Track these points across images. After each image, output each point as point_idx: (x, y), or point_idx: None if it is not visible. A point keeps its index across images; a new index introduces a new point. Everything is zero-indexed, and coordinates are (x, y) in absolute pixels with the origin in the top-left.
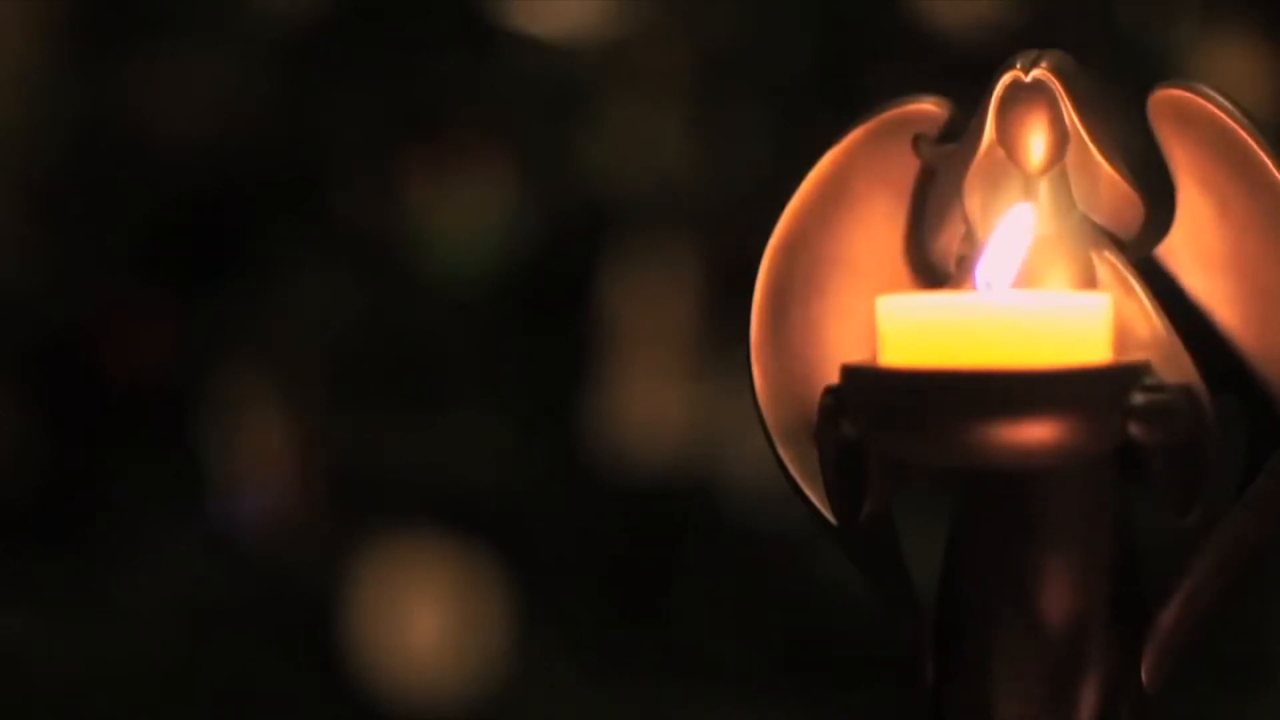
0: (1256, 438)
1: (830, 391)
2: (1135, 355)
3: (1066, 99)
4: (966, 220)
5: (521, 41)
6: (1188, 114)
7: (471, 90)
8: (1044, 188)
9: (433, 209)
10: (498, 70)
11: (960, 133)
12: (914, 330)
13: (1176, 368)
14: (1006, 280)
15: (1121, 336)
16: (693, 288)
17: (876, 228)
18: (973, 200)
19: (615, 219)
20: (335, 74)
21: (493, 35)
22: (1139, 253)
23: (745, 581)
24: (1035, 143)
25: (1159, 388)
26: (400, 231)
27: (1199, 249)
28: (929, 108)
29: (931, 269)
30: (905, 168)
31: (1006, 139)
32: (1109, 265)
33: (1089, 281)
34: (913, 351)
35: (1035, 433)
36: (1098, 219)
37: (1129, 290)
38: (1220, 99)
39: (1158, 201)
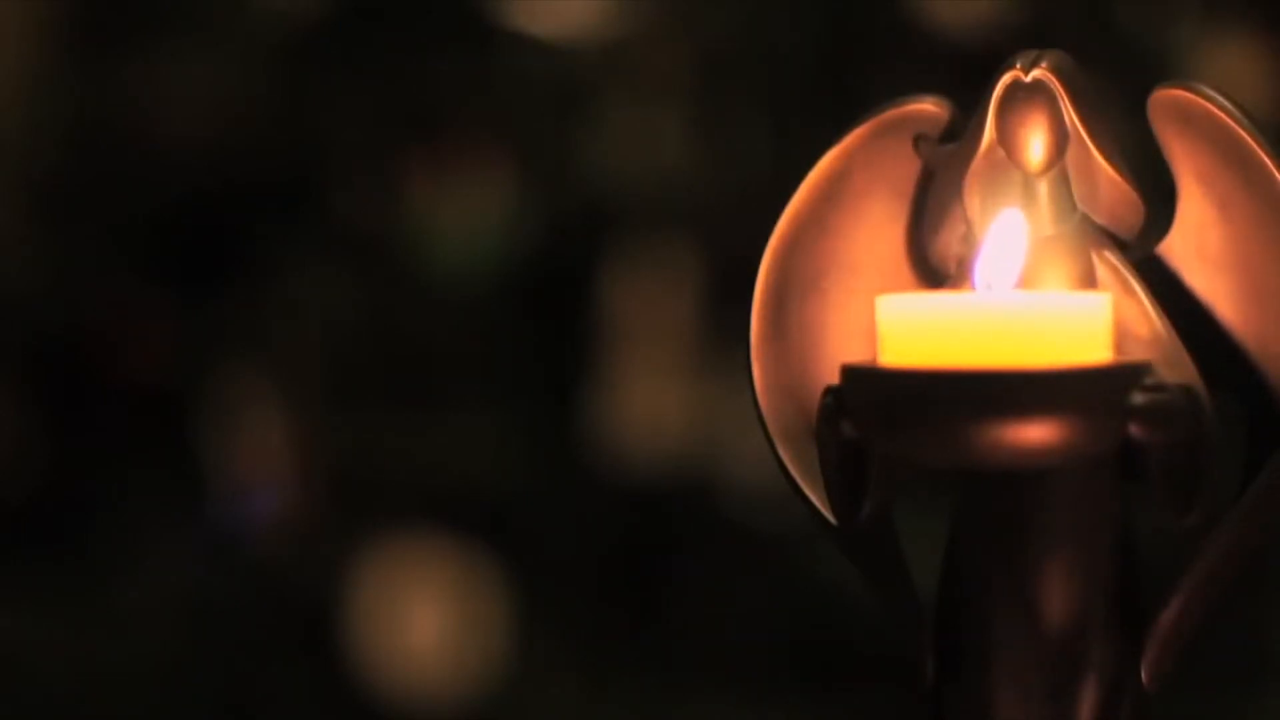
0: (1256, 438)
1: (830, 391)
2: (1135, 355)
3: (1066, 99)
4: (966, 220)
5: (521, 41)
6: (1188, 114)
7: (471, 90)
8: (1044, 188)
9: (433, 209)
10: (498, 70)
11: (960, 133)
12: (914, 330)
13: (1176, 368)
14: (1006, 283)
15: (1121, 336)
16: (693, 288)
17: (876, 228)
18: (973, 200)
19: (615, 219)
20: (335, 74)
21: (493, 35)
22: (1139, 253)
23: (745, 581)
24: (1035, 143)
25: (1159, 388)
26: (400, 231)
27: (1199, 249)
28: (929, 108)
29: (931, 269)
30: (905, 168)
31: (1006, 139)
32: (1109, 265)
33: (1089, 281)
34: (913, 351)
35: (1035, 433)
36: (1098, 219)
37: (1129, 290)
38: (1220, 99)
39: (1158, 201)
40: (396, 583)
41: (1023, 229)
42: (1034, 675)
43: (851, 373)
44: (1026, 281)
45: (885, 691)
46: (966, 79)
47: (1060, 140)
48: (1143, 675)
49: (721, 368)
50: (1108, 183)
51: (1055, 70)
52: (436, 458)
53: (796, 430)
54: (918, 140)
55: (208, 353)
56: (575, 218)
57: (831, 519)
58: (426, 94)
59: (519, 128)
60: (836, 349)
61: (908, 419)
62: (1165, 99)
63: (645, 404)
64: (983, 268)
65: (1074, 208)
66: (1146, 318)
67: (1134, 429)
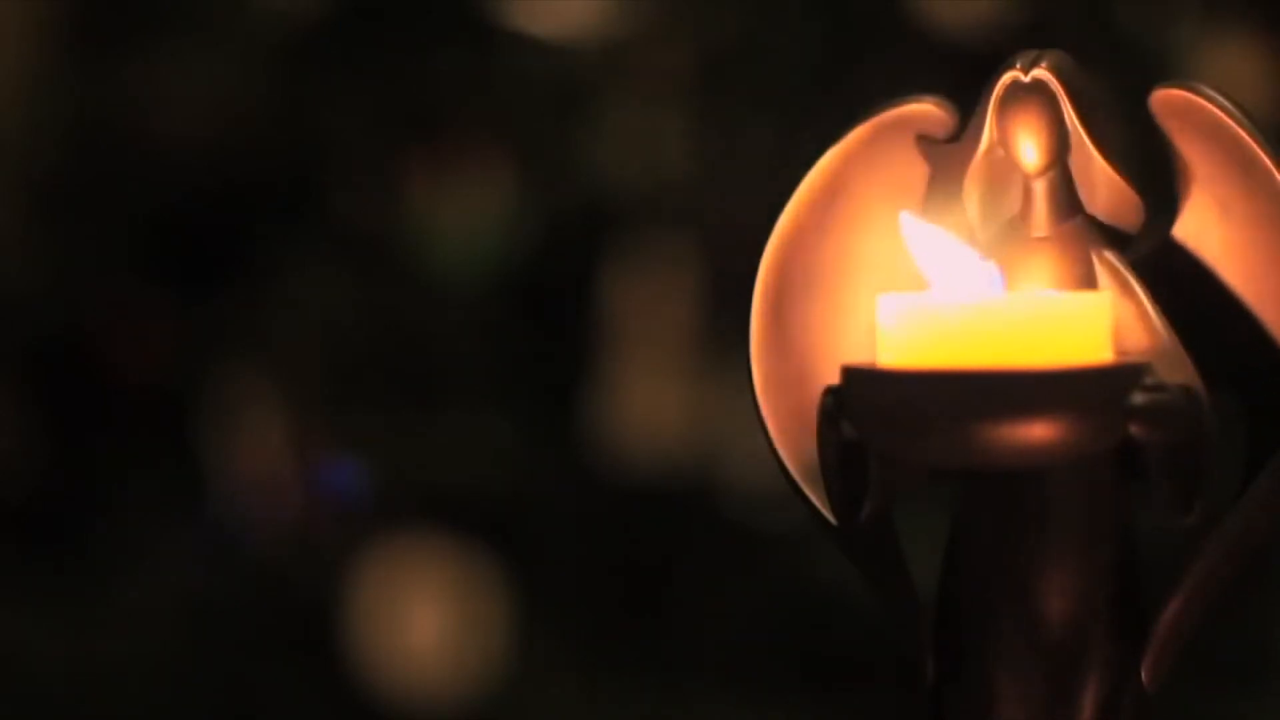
0: (1256, 438)
1: (830, 392)
2: (1135, 355)
3: (1066, 99)
4: (966, 220)
5: (521, 41)
6: (1188, 114)
7: (471, 90)
8: (1044, 188)
9: (433, 209)
10: (498, 70)
11: (960, 133)
12: (914, 330)
13: (1176, 368)
14: (982, 283)
15: (1121, 336)
16: (693, 288)
17: (877, 228)
18: (973, 200)
19: (615, 219)
20: (335, 74)
21: (493, 35)
22: (1139, 253)
23: (745, 581)
24: (1035, 142)
25: (1159, 388)
26: (400, 231)
27: (1199, 249)
28: (929, 108)
29: None
30: (905, 168)
31: (1006, 139)
32: (1109, 265)
33: (1089, 281)
34: (913, 351)
35: (1035, 433)
36: (1098, 219)
37: (1129, 290)
38: (1220, 99)
39: (1158, 201)
40: (396, 583)
41: (934, 230)
42: (1034, 675)
43: (851, 373)
44: (1027, 282)
45: (885, 692)
46: (966, 79)
47: (1060, 140)
48: (1143, 675)
49: (721, 368)
50: (1108, 183)
51: (1055, 70)
52: (436, 458)
53: (796, 430)
54: (918, 140)
55: (208, 353)
56: (575, 218)
57: (831, 519)
58: (426, 94)
59: (519, 128)
60: (836, 349)
61: (908, 419)
62: (1165, 99)
63: (645, 404)
64: (955, 281)
65: (1074, 207)
66: (1146, 318)
67: (1134, 429)
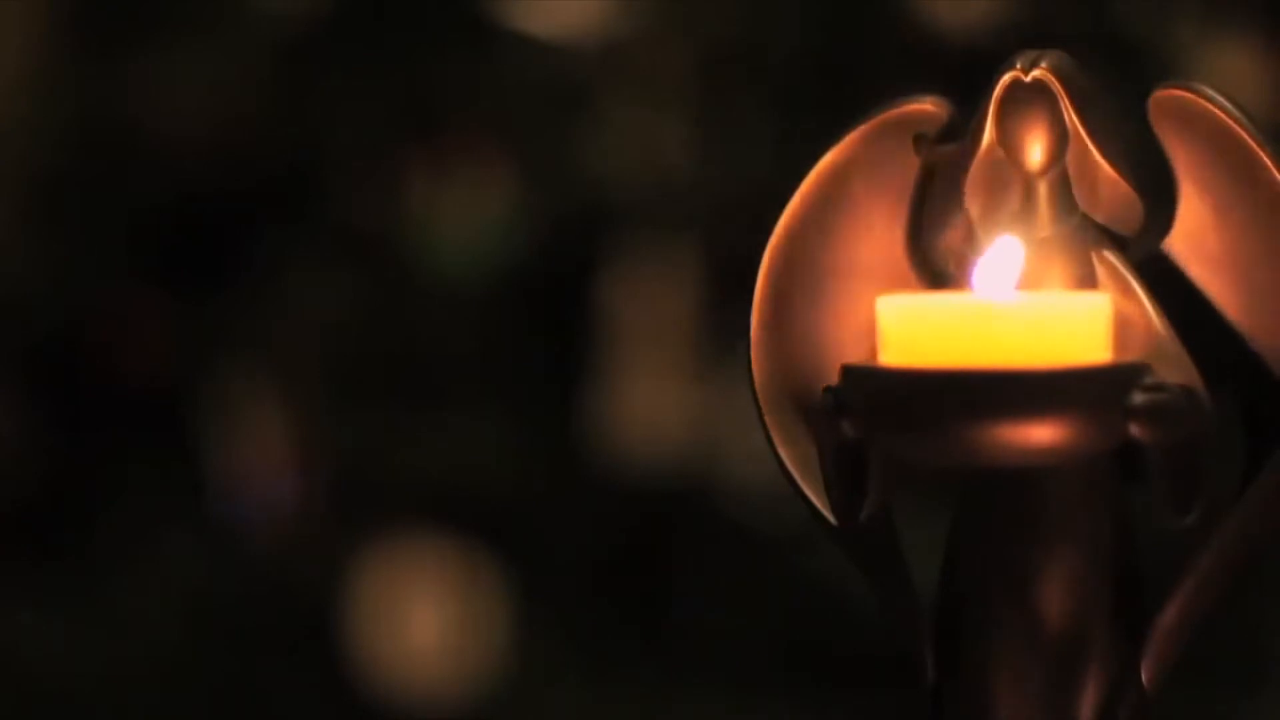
0: (1256, 438)
1: (830, 391)
2: (1135, 355)
3: (1066, 99)
4: (966, 220)
5: (521, 41)
6: (1188, 114)
7: (471, 90)
8: (1044, 188)
9: (433, 209)
10: (498, 70)
11: (960, 133)
12: (914, 330)
13: (1176, 368)
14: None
15: (1121, 336)
16: (693, 288)
17: (876, 228)
18: (973, 200)
19: (615, 219)
20: (335, 74)
21: (493, 35)
22: (1139, 253)
23: (745, 581)
24: (1035, 143)
25: (1159, 388)
26: (400, 231)
27: (1199, 249)
28: (929, 108)
29: (932, 269)
30: (905, 168)
31: (1006, 139)
32: (1109, 265)
33: (1089, 281)
34: (913, 351)
35: (1035, 433)
36: (1098, 219)
37: (1129, 290)
38: (1220, 99)
39: (1158, 201)
40: (396, 583)
41: (1018, 251)
42: (1034, 675)
43: (851, 373)
44: (1026, 282)
45: (885, 692)
46: (966, 79)
47: (1060, 140)
48: (1143, 675)
49: (721, 368)
50: (1108, 183)
51: (1055, 70)
52: (436, 458)
53: (796, 430)
54: (917, 140)
55: (208, 353)
56: (575, 218)
57: (831, 519)
58: (426, 94)
59: (519, 128)
60: (836, 349)
61: (907, 419)
62: (1165, 99)
63: (645, 404)
64: (980, 282)
65: (1074, 208)
66: (1146, 318)
67: (1134, 429)
